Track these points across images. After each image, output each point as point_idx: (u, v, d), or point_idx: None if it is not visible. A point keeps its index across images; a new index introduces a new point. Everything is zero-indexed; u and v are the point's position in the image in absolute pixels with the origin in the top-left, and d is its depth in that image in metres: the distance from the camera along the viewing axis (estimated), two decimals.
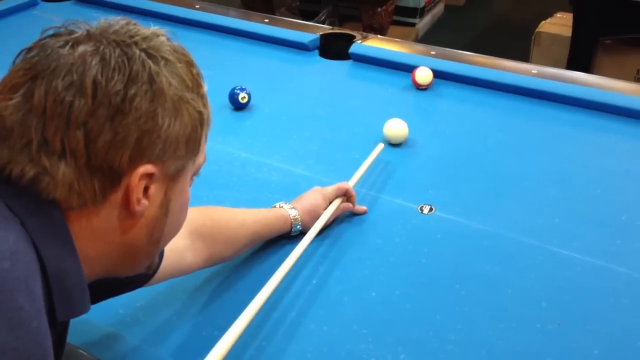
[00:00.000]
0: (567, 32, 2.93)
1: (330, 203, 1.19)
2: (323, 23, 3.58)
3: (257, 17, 2.15)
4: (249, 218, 1.11)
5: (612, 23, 2.74)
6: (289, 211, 1.15)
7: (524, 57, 3.12)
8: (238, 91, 1.61)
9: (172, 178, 0.69)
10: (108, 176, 0.64)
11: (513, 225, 1.22)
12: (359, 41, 1.90)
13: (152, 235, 0.71)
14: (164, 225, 0.71)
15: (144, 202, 0.67)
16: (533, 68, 1.76)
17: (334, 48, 1.92)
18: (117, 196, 0.65)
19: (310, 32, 1.96)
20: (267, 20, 2.07)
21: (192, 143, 0.69)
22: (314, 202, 1.17)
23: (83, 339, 0.90)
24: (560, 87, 1.66)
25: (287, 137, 1.54)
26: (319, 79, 1.83)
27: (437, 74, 1.72)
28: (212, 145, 1.56)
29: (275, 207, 1.17)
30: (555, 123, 1.59)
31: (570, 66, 2.76)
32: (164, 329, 0.99)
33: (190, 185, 0.75)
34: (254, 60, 1.92)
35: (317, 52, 1.93)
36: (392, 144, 1.47)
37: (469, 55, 1.86)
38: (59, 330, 0.68)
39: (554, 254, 1.15)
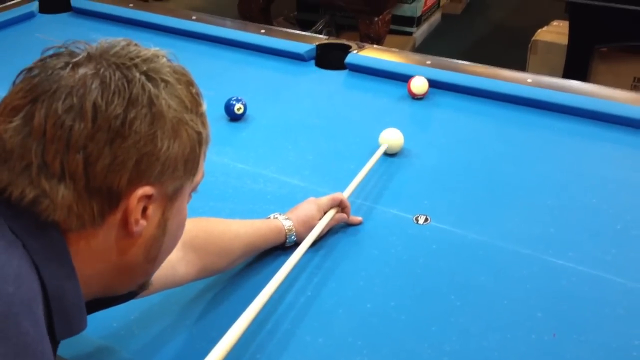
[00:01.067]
0: (564, 40, 2.94)
1: (325, 214, 1.19)
2: (320, 33, 3.59)
3: (253, 27, 2.15)
4: (243, 229, 1.11)
5: (608, 31, 2.75)
6: (283, 222, 1.15)
7: (521, 66, 3.13)
8: (234, 102, 1.61)
9: (170, 198, 0.70)
10: (107, 198, 0.64)
11: (509, 235, 1.22)
12: (355, 51, 1.90)
13: (150, 253, 0.72)
14: (161, 243, 0.72)
15: (142, 222, 0.67)
16: (528, 77, 1.76)
17: (330, 58, 1.92)
18: (116, 217, 0.66)
19: (306, 42, 1.96)
20: (263, 31, 2.07)
21: (190, 163, 0.70)
22: (309, 212, 1.17)
23: (76, 352, 0.90)
24: (555, 96, 1.66)
25: (283, 148, 1.54)
26: (315, 89, 1.83)
27: (433, 84, 1.72)
28: (208, 157, 1.56)
29: (269, 218, 1.17)
30: (551, 132, 1.59)
31: (567, 74, 2.76)
32: (157, 342, 0.98)
33: (188, 202, 0.75)
34: (250, 70, 1.93)
35: (313, 62, 1.93)
36: (388, 154, 1.47)
37: (464, 64, 1.86)
38: (54, 349, 0.68)
39: (550, 263, 1.15)
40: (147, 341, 0.98)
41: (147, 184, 0.66)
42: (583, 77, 2.75)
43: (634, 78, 2.87)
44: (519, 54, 3.29)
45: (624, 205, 1.32)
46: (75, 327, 0.67)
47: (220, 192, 1.35)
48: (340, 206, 1.22)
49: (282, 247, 1.16)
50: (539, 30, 3.25)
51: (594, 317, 1.04)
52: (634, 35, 2.71)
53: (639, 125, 1.56)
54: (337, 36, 3.33)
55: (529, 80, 1.73)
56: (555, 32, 3.18)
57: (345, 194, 1.25)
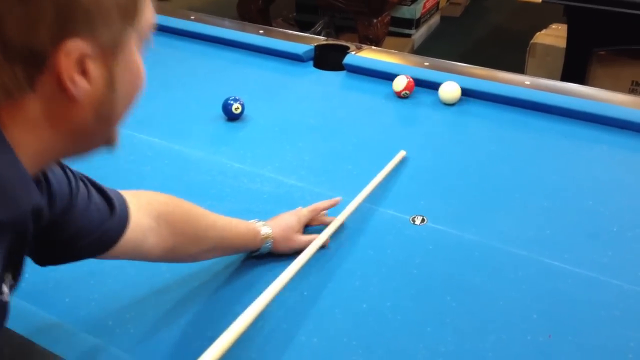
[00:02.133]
0: (562, 43, 2.94)
1: (305, 225, 1.19)
2: (319, 34, 3.60)
3: (251, 28, 2.16)
4: (221, 221, 1.08)
5: (607, 34, 2.75)
6: (262, 228, 1.13)
7: (519, 68, 3.13)
8: (232, 102, 1.61)
9: (111, 51, 0.62)
10: (30, 61, 0.57)
11: (505, 237, 1.22)
12: (353, 52, 1.91)
13: (100, 114, 0.64)
14: (112, 102, 0.65)
15: (83, 84, 0.60)
16: (526, 79, 1.77)
17: (328, 59, 1.92)
18: (48, 81, 0.59)
19: (304, 43, 1.97)
20: (261, 31, 2.08)
21: (126, 8, 0.61)
22: (289, 222, 1.16)
23: (72, 350, 0.90)
24: (553, 98, 1.66)
25: (281, 148, 1.54)
26: (312, 89, 1.83)
27: (430, 85, 1.73)
28: (205, 156, 1.57)
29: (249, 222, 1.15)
30: (549, 134, 1.59)
31: (565, 77, 2.77)
32: (153, 341, 0.98)
33: (141, 54, 0.67)
34: (248, 70, 1.93)
35: (311, 63, 1.94)
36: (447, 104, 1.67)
37: (463, 66, 1.87)
38: (11, 244, 0.63)
39: (546, 265, 1.15)
40: (143, 340, 0.98)
41: (75, 37, 0.58)
42: (581, 80, 2.75)
43: (632, 81, 2.87)
44: (517, 57, 3.29)
45: (620, 207, 1.32)
46: (23, 202, 0.62)
47: (217, 192, 1.35)
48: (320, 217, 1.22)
49: (275, 256, 1.15)
50: (538, 33, 3.26)
51: (589, 318, 1.04)
52: (632, 39, 2.71)
53: (636, 128, 1.57)
54: (336, 37, 3.34)
55: (527, 83, 1.73)
56: (553, 35, 3.18)
57: (367, 190, 1.26)
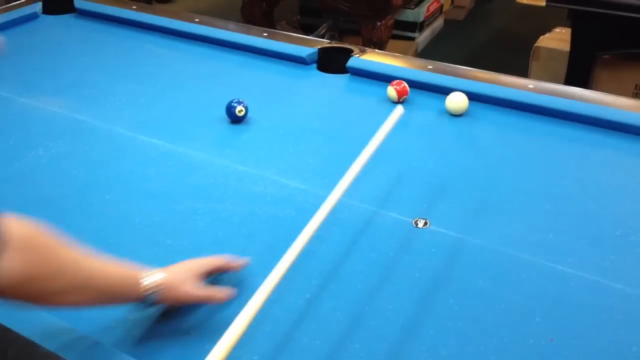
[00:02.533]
0: (566, 47, 2.94)
1: (204, 274, 1.05)
2: (323, 37, 3.61)
3: (255, 30, 2.16)
4: (94, 259, 0.92)
5: (611, 38, 2.75)
6: (151, 276, 0.97)
7: (523, 72, 3.13)
8: (235, 104, 1.62)
9: None
10: None
11: (508, 240, 1.22)
12: (357, 55, 1.91)
13: None
14: None
15: None
16: (530, 83, 1.76)
17: (332, 62, 1.93)
18: None
19: (308, 46, 1.97)
20: (265, 34, 2.08)
21: None
22: (184, 268, 1.03)
23: (74, 351, 0.90)
24: (556, 102, 1.66)
25: (284, 151, 1.54)
26: (316, 92, 1.84)
27: (434, 89, 1.73)
28: (208, 158, 1.57)
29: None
30: (552, 138, 1.59)
31: (569, 81, 2.77)
32: (157, 343, 0.98)
33: None
34: (252, 73, 1.93)
35: (315, 66, 1.94)
36: (454, 115, 1.66)
37: (466, 69, 1.87)
38: None
39: (549, 269, 1.15)
40: (146, 342, 0.99)
41: None
42: (585, 83, 2.75)
43: (636, 85, 2.87)
44: (521, 61, 3.29)
45: (623, 211, 1.32)
46: None
47: (220, 194, 1.36)
48: (224, 268, 1.10)
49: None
50: (542, 37, 3.26)
51: (592, 322, 1.04)
52: (637, 43, 2.71)
53: None
54: (340, 40, 3.34)
55: (531, 86, 1.73)
56: (557, 39, 3.19)
57: (370, 149, 1.24)
